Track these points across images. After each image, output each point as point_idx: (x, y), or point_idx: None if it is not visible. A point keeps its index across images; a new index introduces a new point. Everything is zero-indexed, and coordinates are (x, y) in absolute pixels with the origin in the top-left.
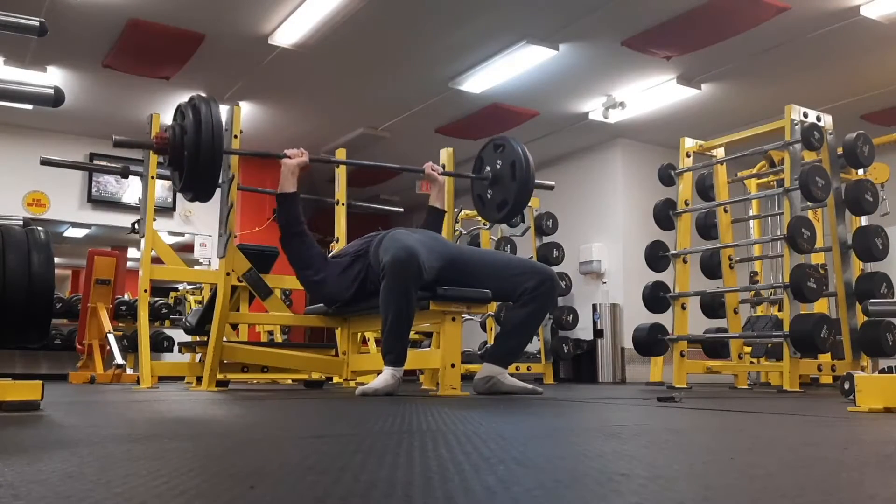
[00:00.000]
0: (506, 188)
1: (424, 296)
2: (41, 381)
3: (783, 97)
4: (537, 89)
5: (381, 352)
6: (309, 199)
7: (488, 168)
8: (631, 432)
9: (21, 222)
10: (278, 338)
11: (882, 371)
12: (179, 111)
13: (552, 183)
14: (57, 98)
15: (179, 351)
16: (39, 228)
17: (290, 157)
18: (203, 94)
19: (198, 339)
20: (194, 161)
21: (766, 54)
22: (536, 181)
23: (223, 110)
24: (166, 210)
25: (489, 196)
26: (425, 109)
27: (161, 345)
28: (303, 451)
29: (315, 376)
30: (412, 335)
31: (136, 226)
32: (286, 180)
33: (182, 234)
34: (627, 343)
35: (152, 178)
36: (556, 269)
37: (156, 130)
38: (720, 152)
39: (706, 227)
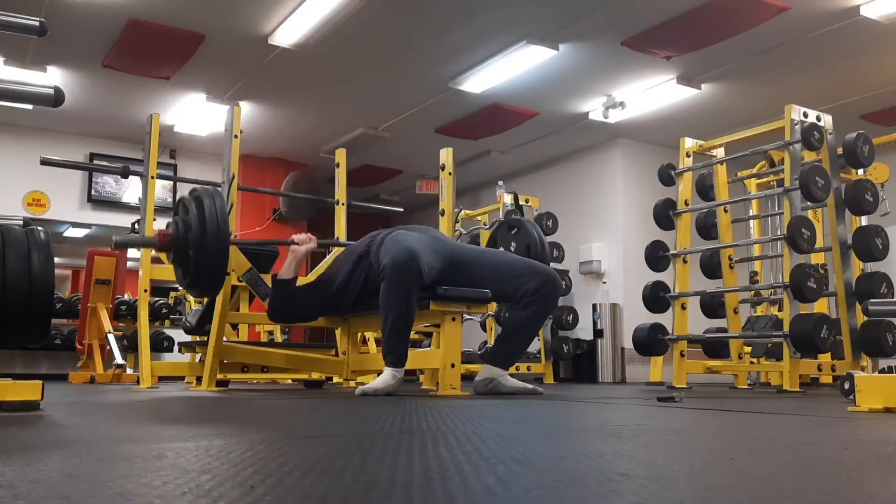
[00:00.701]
0: None
1: (424, 296)
2: (41, 381)
3: (783, 97)
4: (537, 89)
5: (381, 352)
6: (309, 198)
7: (502, 249)
8: (631, 432)
9: (21, 222)
10: (278, 338)
11: (882, 371)
12: (182, 205)
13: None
14: (57, 98)
15: (179, 351)
16: (39, 228)
17: (298, 244)
18: (206, 187)
19: (198, 339)
20: (200, 256)
21: (766, 54)
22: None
23: (223, 110)
24: (166, 210)
25: None
26: (425, 109)
27: (161, 345)
28: (303, 451)
29: (315, 376)
30: (412, 335)
31: (136, 226)
32: (290, 267)
33: None
34: (627, 343)
35: (152, 178)
36: (555, 269)
37: (155, 131)
38: (720, 152)
39: (706, 227)
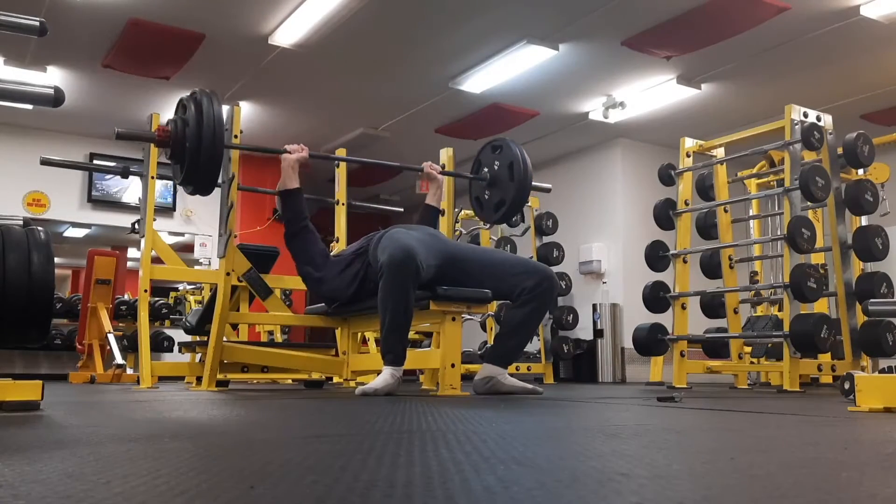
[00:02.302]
0: (503, 189)
1: (424, 295)
2: (41, 381)
3: (783, 97)
4: (537, 89)
5: (380, 352)
6: (309, 198)
7: (486, 169)
8: (631, 432)
9: (21, 222)
10: (278, 338)
11: (882, 371)
12: (181, 105)
13: (549, 186)
14: (57, 98)
15: (179, 351)
16: (39, 228)
17: (290, 153)
18: (205, 89)
19: (198, 339)
20: (195, 153)
21: (766, 54)
22: (534, 183)
23: (223, 110)
24: (166, 210)
25: (486, 197)
26: (425, 109)
27: (161, 345)
28: (303, 451)
29: (315, 376)
30: (412, 335)
31: (136, 226)
32: (287, 176)
33: (182, 234)
34: (627, 343)
35: (152, 178)
36: (555, 269)
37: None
38: (720, 152)
39: (706, 227)
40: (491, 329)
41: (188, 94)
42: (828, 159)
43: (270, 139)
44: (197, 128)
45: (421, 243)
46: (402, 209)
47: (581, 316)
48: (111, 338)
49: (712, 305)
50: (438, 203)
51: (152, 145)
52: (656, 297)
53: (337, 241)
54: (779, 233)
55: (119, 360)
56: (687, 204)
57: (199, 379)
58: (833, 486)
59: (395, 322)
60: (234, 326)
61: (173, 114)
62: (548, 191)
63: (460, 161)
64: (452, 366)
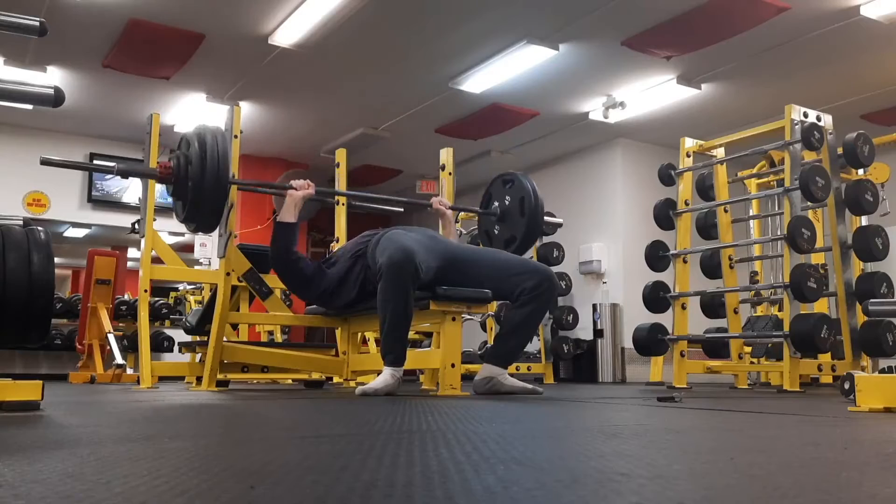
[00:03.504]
0: (514, 224)
1: (424, 296)
2: (41, 381)
3: (783, 97)
4: (537, 89)
5: (380, 352)
6: (309, 198)
7: (496, 203)
8: (631, 432)
9: (21, 222)
10: (278, 338)
11: (882, 371)
12: (185, 140)
13: (560, 221)
14: (57, 98)
15: (179, 351)
16: (39, 228)
17: (296, 189)
18: (208, 125)
19: (198, 339)
20: (198, 193)
21: (766, 54)
22: (546, 218)
23: (223, 110)
24: (166, 210)
25: (496, 232)
26: (425, 109)
27: (161, 345)
28: (303, 451)
29: (315, 376)
30: (412, 335)
31: (136, 226)
32: (288, 211)
33: (182, 234)
34: (627, 343)
35: None
36: (555, 269)
37: (156, 130)
38: (720, 152)
39: (706, 227)
40: (491, 329)
41: (192, 129)
42: (828, 159)
43: (270, 139)
44: (200, 167)
45: (420, 245)
46: (402, 209)
47: (581, 316)
48: (111, 338)
49: (712, 305)
50: (455, 238)
51: (152, 143)
52: (656, 297)
53: (337, 241)
54: (779, 233)
55: (119, 360)
56: (687, 204)
57: (199, 379)
58: (833, 486)
59: (395, 323)
60: (234, 326)
61: (175, 149)
62: (559, 225)
63: (460, 161)
64: (452, 366)
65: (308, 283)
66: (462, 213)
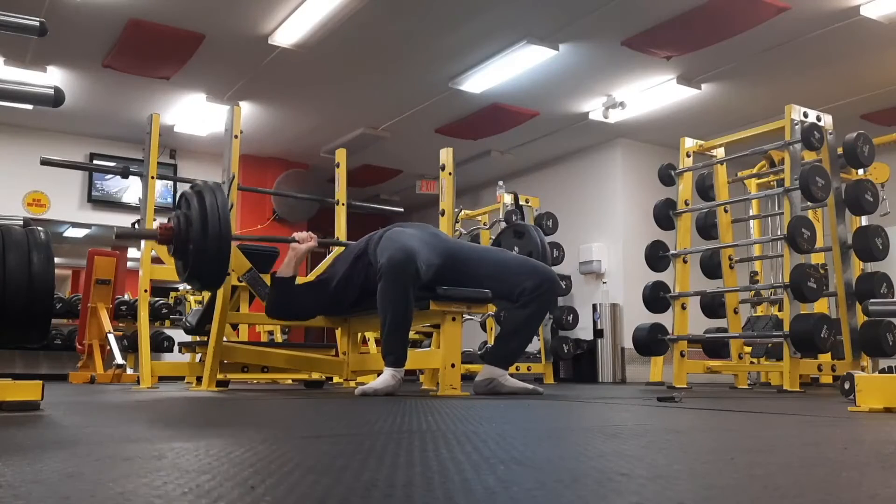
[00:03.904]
0: None
1: (424, 295)
2: (41, 381)
3: (783, 97)
4: (537, 89)
5: (381, 352)
6: (310, 198)
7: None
8: (631, 432)
9: (21, 222)
10: (278, 338)
11: (882, 371)
12: (184, 199)
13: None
14: (57, 98)
15: (179, 351)
16: (39, 228)
17: (299, 242)
18: (208, 181)
19: (198, 339)
20: (201, 255)
21: (766, 54)
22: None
23: (223, 110)
24: (166, 210)
25: None
26: (425, 109)
27: (161, 345)
28: (303, 451)
29: (315, 376)
30: (412, 335)
31: (137, 226)
32: (289, 266)
33: None
34: (627, 343)
35: (152, 178)
36: (556, 269)
37: (156, 130)
38: (720, 152)
39: (706, 227)
40: (491, 329)
41: (190, 188)
42: (828, 159)
43: (270, 139)
44: (202, 227)
45: (422, 242)
46: (402, 209)
47: (581, 316)
48: (111, 338)
49: (712, 305)
50: None
51: (152, 143)
52: (656, 297)
53: (337, 241)
54: (779, 233)
55: (119, 360)
56: (687, 204)
57: (199, 379)
58: (833, 486)
59: (396, 323)
60: (234, 326)
61: (174, 209)
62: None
63: (460, 161)
64: (452, 366)
65: (310, 311)
66: (462, 213)
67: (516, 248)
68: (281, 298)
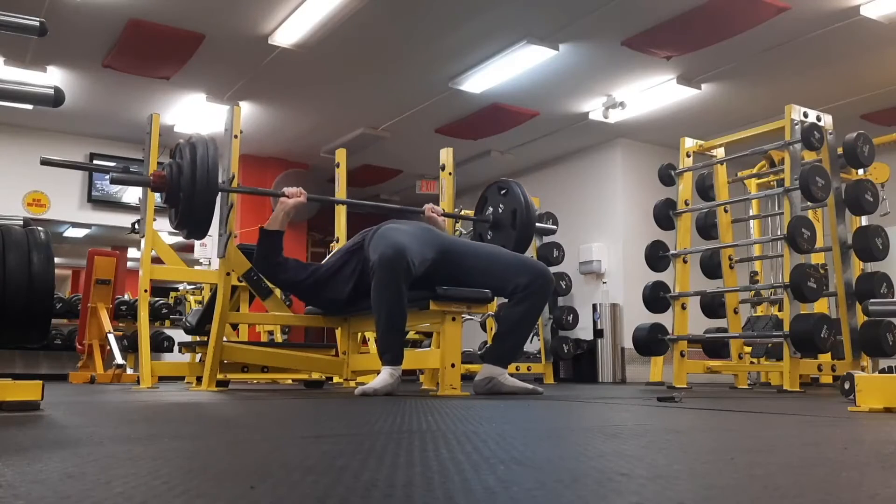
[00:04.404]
0: (505, 235)
1: (424, 295)
2: (41, 381)
3: (783, 97)
4: (537, 89)
5: (377, 351)
6: (310, 198)
7: (491, 209)
8: (631, 432)
9: (21, 222)
10: (278, 338)
11: (882, 371)
12: (178, 149)
13: (554, 228)
14: (57, 98)
15: (179, 351)
16: (39, 228)
17: (288, 197)
18: (201, 133)
19: (198, 339)
20: (189, 202)
21: (766, 54)
22: (538, 225)
23: (223, 110)
24: (166, 210)
25: (489, 238)
26: (425, 109)
27: (161, 345)
28: (303, 451)
29: (315, 376)
30: (412, 335)
31: (136, 226)
32: (277, 219)
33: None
34: (627, 343)
35: None
36: (555, 269)
37: (156, 130)
38: (720, 152)
39: (706, 227)
40: (491, 329)
41: (185, 139)
42: (828, 159)
43: (270, 139)
44: (191, 174)
45: (414, 238)
46: (399, 208)
47: (581, 316)
48: (111, 338)
49: (712, 305)
50: None
51: (152, 143)
52: (656, 297)
53: (337, 241)
54: (779, 233)
55: (119, 360)
56: (687, 204)
57: (199, 379)
58: (833, 486)
59: (390, 321)
60: (234, 326)
61: (169, 158)
62: (553, 232)
63: (460, 161)
64: (452, 366)
65: (293, 276)
66: (462, 213)
67: (501, 206)
68: (265, 251)
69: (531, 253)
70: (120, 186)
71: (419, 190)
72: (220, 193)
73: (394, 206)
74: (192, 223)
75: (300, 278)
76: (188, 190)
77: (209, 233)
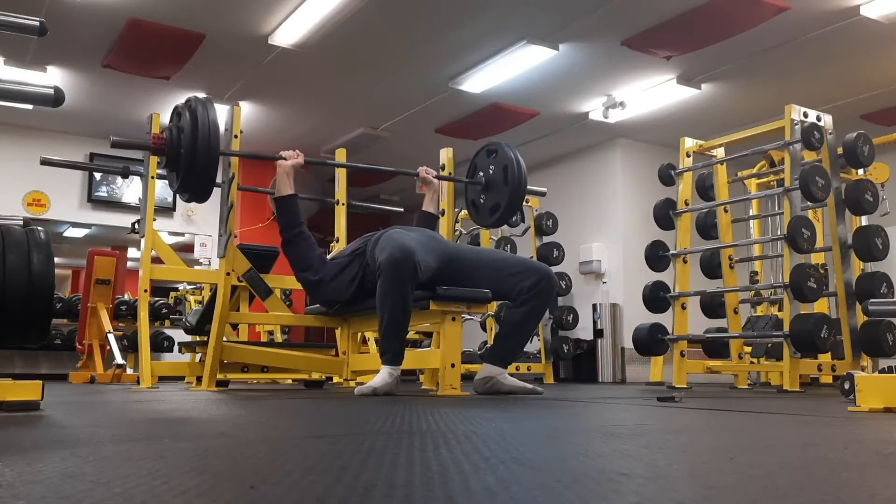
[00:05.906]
0: (498, 193)
1: (424, 295)
2: (41, 381)
3: (783, 97)
4: (537, 89)
5: (378, 350)
6: (309, 199)
7: (481, 173)
8: (631, 432)
9: (21, 222)
10: (278, 338)
11: (882, 371)
12: (176, 112)
13: (544, 189)
14: (57, 98)
15: (179, 351)
16: (39, 228)
17: (285, 159)
18: (200, 96)
19: (198, 339)
20: (190, 162)
21: (766, 54)
22: (529, 187)
23: (223, 110)
24: (166, 210)
25: (482, 201)
26: (425, 109)
27: (161, 345)
28: (303, 451)
29: (315, 376)
30: (412, 335)
31: (136, 226)
32: (282, 183)
33: (182, 234)
34: (627, 343)
35: (152, 177)
36: (555, 269)
37: (156, 131)
38: (720, 152)
39: (706, 227)
40: (491, 329)
41: (183, 101)
42: (828, 159)
43: (270, 139)
44: (192, 135)
45: (419, 244)
46: (401, 209)
47: (581, 316)
48: (111, 338)
49: (712, 305)
50: (436, 208)
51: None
52: (656, 297)
53: (337, 241)
54: (779, 233)
55: (119, 360)
56: (687, 204)
57: (199, 379)
58: (833, 486)
59: (394, 321)
60: (234, 326)
61: (169, 121)
62: (542, 194)
63: (460, 161)
64: (452, 366)
65: (310, 261)
66: (463, 213)
67: (492, 167)
68: (287, 217)
69: (531, 254)
70: (120, 186)
71: (419, 190)
72: (221, 158)
73: (388, 169)
74: (193, 185)
75: (313, 269)
76: (189, 149)
77: (209, 232)
